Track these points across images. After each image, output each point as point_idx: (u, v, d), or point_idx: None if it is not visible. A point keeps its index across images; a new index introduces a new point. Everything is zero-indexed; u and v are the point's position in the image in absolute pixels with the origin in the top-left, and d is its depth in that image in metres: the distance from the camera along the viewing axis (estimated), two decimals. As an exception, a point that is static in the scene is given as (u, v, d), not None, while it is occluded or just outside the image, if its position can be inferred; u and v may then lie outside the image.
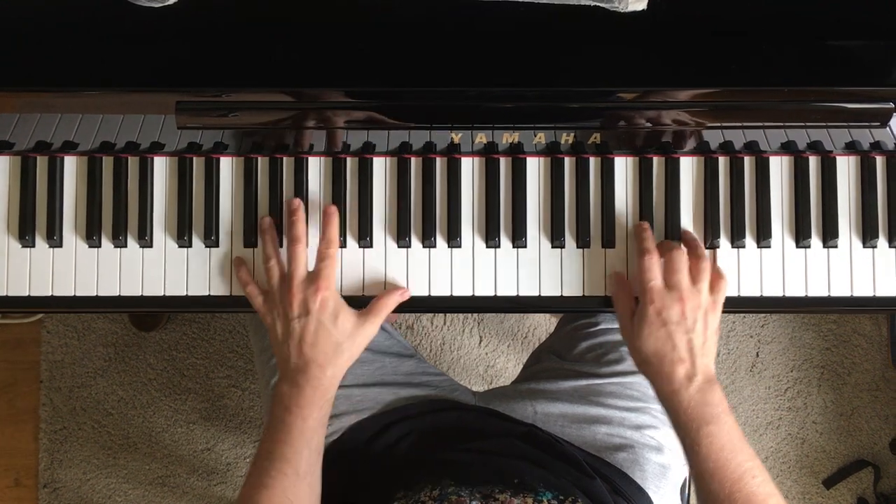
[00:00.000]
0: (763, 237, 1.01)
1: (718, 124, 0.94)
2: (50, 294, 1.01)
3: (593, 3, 0.88)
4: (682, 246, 0.98)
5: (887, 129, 0.94)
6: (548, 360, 1.22)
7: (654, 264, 0.96)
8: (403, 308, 1.02)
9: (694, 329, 0.93)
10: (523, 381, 1.22)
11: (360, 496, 0.96)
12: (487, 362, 1.95)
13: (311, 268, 0.97)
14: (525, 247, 1.02)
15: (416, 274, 1.02)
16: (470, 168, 1.02)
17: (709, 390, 0.91)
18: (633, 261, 1.01)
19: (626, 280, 1.00)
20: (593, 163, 1.02)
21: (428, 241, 1.02)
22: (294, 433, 0.91)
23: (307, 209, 1.01)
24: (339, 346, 0.94)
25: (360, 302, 1.00)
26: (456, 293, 1.02)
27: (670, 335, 0.93)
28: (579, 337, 1.20)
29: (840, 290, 1.02)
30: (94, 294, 1.02)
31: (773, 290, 1.02)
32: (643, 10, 0.88)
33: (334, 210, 0.99)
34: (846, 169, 1.02)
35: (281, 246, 1.00)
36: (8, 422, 1.91)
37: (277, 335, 0.95)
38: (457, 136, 0.97)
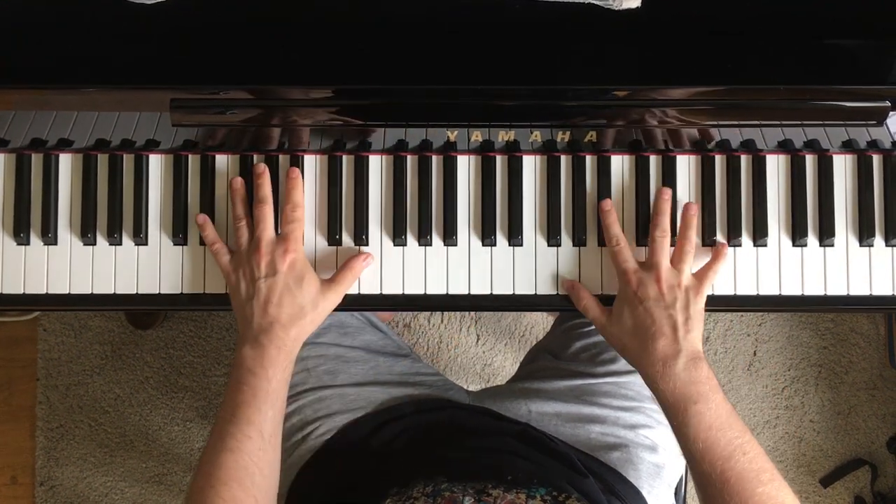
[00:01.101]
0: (759, 236, 1.01)
1: (714, 123, 0.94)
2: (45, 292, 1.01)
3: (587, 1, 0.88)
4: (663, 229, 0.97)
5: (884, 127, 0.93)
6: (543, 359, 1.22)
7: (623, 248, 0.97)
8: (399, 307, 1.02)
9: (674, 306, 0.93)
10: (518, 380, 1.22)
11: (353, 495, 0.96)
12: (484, 361, 1.94)
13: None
14: (521, 245, 1.02)
15: (411, 272, 1.02)
16: (466, 166, 1.02)
17: (694, 367, 0.90)
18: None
19: (576, 282, 1.00)
20: (589, 161, 1.02)
21: (424, 239, 1.01)
22: (259, 395, 0.90)
23: (303, 207, 1.01)
24: (302, 309, 0.94)
25: (356, 300, 1.00)
26: (452, 291, 1.02)
27: (648, 311, 0.93)
28: (574, 336, 1.20)
29: (836, 288, 1.02)
30: (90, 292, 1.01)
31: (769, 289, 1.02)
32: (637, 7, 0.88)
33: (298, 173, 0.99)
34: (843, 167, 1.02)
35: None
36: (4, 419, 1.91)
37: (241, 294, 0.95)
38: (453, 134, 0.97)
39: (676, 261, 0.96)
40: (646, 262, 0.97)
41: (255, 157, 1.01)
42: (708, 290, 0.97)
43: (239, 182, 1.00)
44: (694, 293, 0.94)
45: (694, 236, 0.98)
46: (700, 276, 0.96)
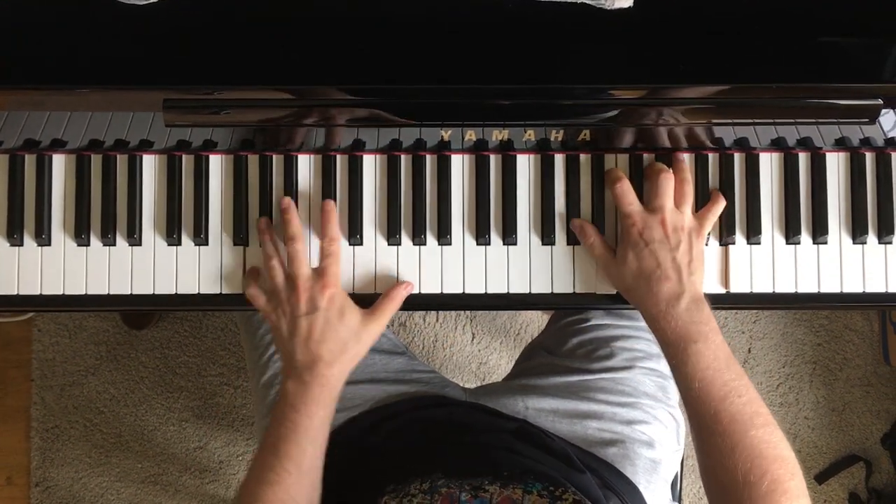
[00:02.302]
0: (753, 234, 1.01)
1: (708, 122, 0.94)
2: (39, 293, 1.01)
3: (580, 0, 0.88)
4: (667, 170, 0.98)
5: (876, 125, 0.94)
6: (539, 356, 1.22)
7: (627, 190, 0.97)
8: (394, 306, 1.02)
9: (678, 248, 0.94)
10: (514, 377, 1.22)
11: (350, 493, 0.96)
12: (480, 359, 1.95)
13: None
14: (515, 244, 1.02)
15: (406, 272, 1.02)
16: (460, 165, 1.02)
17: (696, 308, 0.91)
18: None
19: (584, 221, 1.01)
20: (583, 160, 1.02)
21: (418, 238, 1.01)
22: (300, 431, 0.91)
23: (297, 206, 1.01)
24: (345, 344, 0.94)
25: (352, 299, 1.00)
26: (447, 291, 1.02)
27: (653, 253, 0.94)
28: (570, 333, 1.20)
29: (830, 286, 1.02)
30: (84, 293, 1.01)
31: (763, 287, 1.02)
32: (629, 7, 0.88)
33: (332, 206, 0.99)
34: (836, 165, 1.02)
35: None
36: (-1, 420, 1.91)
37: (283, 333, 0.95)
38: (446, 134, 0.97)
39: (678, 202, 0.97)
40: (649, 205, 0.97)
41: (248, 156, 1.01)
42: (708, 231, 0.99)
43: (265, 222, 1.00)
44: (696, 234, 0.96)
45: (690, 177, 0.99)
46: (701, 218, 0.98)
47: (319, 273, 0.96)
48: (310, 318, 0.94)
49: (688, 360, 0.89)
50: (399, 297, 0.99)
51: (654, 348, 1.15)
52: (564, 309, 1.26)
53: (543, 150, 1.02)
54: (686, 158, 1.01)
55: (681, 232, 0.95)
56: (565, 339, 1.20)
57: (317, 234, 1.00)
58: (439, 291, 1.02)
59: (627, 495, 1.03)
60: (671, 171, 0.98)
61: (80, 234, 1.01)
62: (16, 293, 1.01)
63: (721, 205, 1.00)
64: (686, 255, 0.94)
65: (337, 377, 0.94)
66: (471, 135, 0.98)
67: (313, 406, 0.92)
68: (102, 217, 1.01)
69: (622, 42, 0.92)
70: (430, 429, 1.06)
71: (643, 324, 1.15)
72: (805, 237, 1.02)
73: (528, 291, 1.01)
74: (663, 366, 1.14)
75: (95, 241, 1.01)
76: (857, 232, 1.02)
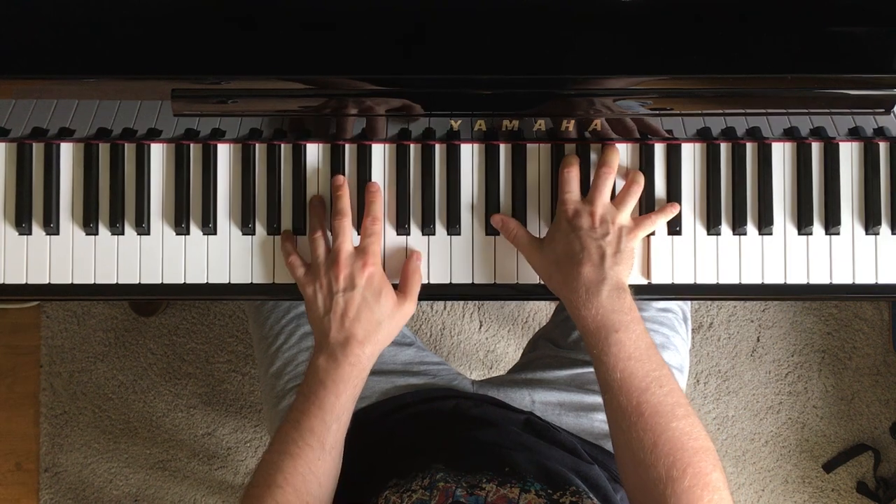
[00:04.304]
0: (765, 224, 1.01)
1: (722, 111, 0.93)
2: (47, 282, 1.01)
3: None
4: (612, 168, 0.98)
5: (891, 115, 0.93)
6: (544, 347, 1.22)
7: (571, 178, 0.97)
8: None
9: (604, 238, 0.93)
10: (520, 370, 1.22)
11: (354, 484, 0.96)
12: (487, 347, 1.94)
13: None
14: (525, 234, 1.01)
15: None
16: (469, 155, 1.01)
17: (618, 297, 0.90)
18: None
19: (504, 216, 1.00)
20: (594, 149, 1.01)
21: (427, 228, 1.01)
22: (326, 408, 0.90)
23: (305, 197, 1.00)
24: (379, 324, 0.94)
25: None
26: (455, 281, 1.02)
27: (579, 237, 0.93)
28: (574, 324, 1.19)
29: (842, 277, 1.01)
30: (92, 282, 1.01)
31: (774, 277, 1.01)
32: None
33: (378, 187, 0.99)
34: (849, 155, 1.01)
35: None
36: (8, 406, 1.91)
37: (318, 308, 0.95)
38: (456, 123, 0.97)
39: (618, 202, 0.96)
40: (587, 196, 0.97)
41: (256, 146, 1.01)
42: (642, 235, 0.97)
43: (318, 199, 1.00)
44: (627, 232, 0.94)
45: (638, 190, 0.98)
46: (638, 221, 0.97)
47: (360, 251, 0.96)
48: (347, 295, 0.93)
49: (609, 349, 0.87)
50: (418, 269, 0.99)
51: (658, 338, 1.15)
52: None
53: (554, 140, 1.01)
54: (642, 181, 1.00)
55: (610, 225, 0.94)
56: (570, 330, 1.20)
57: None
58: (448, 281, 1.02)
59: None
60: (614, 169, 0.98)
61: (89, 224, 1.00)
62: (24, 282, 1.01)
63: (666, 215, 0.99)
64: (612, 246, 0.92)
65: (368, 357, 0.94)
66: (480, 124, 0.97)
67: (342, 384, 0.91)
68: (111, 206, 1.01)
69: (634, 32, 0.91)
70: (437, 422, 1.06)
71: (647, 313, 1.15)
72: (817, 228, 1.01)
73: (538, 282, 1.01)
74: (668, 356, 1.14)
75: (104, 231, 1.01)
76: (871, 222, 1.01)
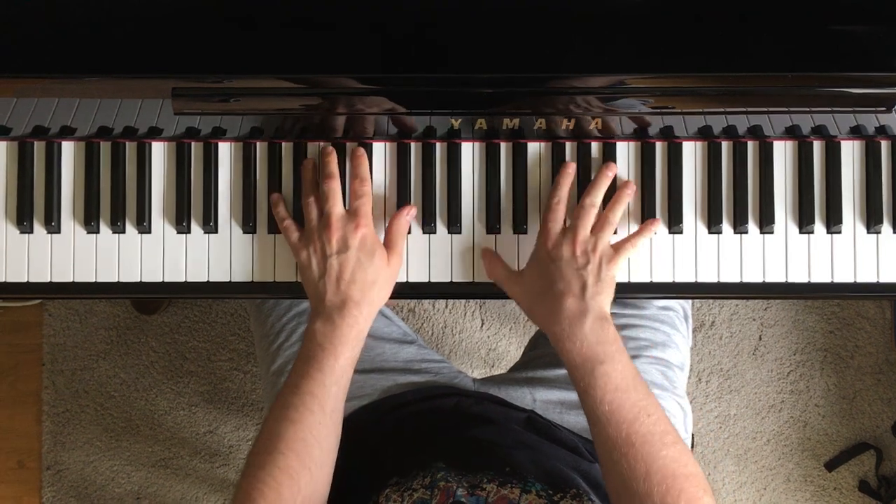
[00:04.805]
0: (766, 223, 1.01)
1: (723, 110, 0.93)
2: (49, 280, 1.01)
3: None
4: (595, 204, 0.96)
5: (893, 113, 0.92)
6: (545, 345, 1.22)
7: (560, 208, 0.97)
8: (403, 294, 1.01)
9: (585, 269, 0.92)
10: (521, 368, 1.22)
11: (355, 482, 0.96)
12: (489, 345, 1.94)
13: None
14: (526, 233, 1.01)
15: (415, 260, 1.01)
16: (470, 153, 1.01)
17: (601, 328, 0.90)
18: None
19: (491, 252, 1.01)
20: (595, 148, 1.01)
21: (428, 227, 1.01)
22: (325, 370, 0.90)
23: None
24: (374, 284, 0.94)
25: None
26: (456, 279, 1.02)
27: (559, 269, 0.93)
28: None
29: (844, 276, 1.01)
30: (93, 280, 1.01)
31: (776, 276, 1.01)
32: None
33: (362, 151, 0.99)
34: (850, 154, 1.01)
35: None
36: (11, 404, 1.92)
37: (313, 272, 0.95)
38: (456, 122, 0.97)
39: (597, 229, 0.96)
40: (567, 227, 0.96)
41: (257, 144, 1.01)
42: (623, 261, 0.96)
43: (310, 164, 1.00)
44: (607, 260, 0.94)
45: (620, 213, 0.98)
46: (617, 247, 0.96)
47: (352, 213, 0.96)
48: (340, 257, 0.94)
49: (596, 382, 0.87)
50: (404, 223, 0.99)
51: (660, 336, 1.14)
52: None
53: (554, 139, 1.01)
54: (631, 194, 1.00)
55: (591, 254, 0.93)
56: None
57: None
58: (449, 280, 1.02)
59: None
60: (597, 204, 0.97)
61: (90, 222, 1.00)
62: (26, 280, 1.01)
63: (645, 236, 0.98)
64: (592, 276, 0.92)
65: (365, 317, 0.94)
66: (481, 123, 0.97)
67: (340, 346, 0.91)
68: (112, 204, 1.01)
69: (636, 30, 0.91)
70: (438, 420, 1.06)
71: (648, 311, 1.14)
72: (819, 226, 1.01)
73: (538, 281, 1.01)
74: (669, 354, 1.14)
75: (105, 229, 1.01)
76: (872, 221, 1.01)
